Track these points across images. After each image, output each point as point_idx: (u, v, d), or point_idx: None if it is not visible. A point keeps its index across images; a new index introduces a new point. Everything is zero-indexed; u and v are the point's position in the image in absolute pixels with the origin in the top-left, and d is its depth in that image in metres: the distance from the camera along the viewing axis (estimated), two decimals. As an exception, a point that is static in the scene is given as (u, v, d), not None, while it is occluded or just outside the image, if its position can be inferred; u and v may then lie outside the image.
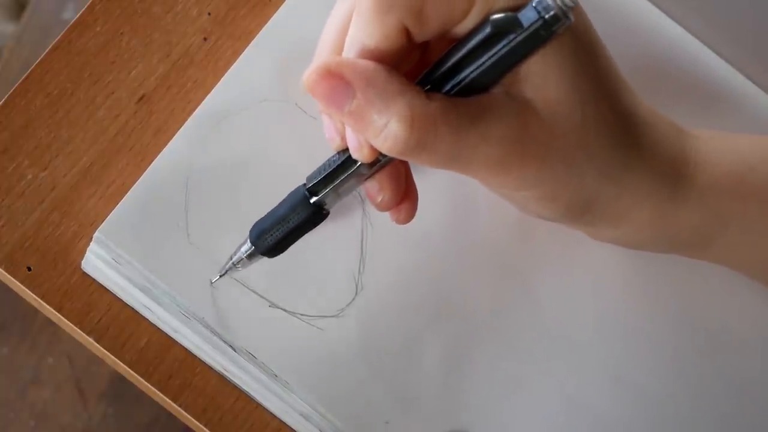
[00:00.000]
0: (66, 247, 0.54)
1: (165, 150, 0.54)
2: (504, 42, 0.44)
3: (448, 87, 0.45)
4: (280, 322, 0.53)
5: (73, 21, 0.57)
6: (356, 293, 0.54)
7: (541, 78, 0.45)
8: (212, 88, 0.55)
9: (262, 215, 0.50)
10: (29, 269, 0.54)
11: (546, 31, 0.43)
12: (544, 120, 0.45)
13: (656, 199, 0.49)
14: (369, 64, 0.45)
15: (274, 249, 0.50)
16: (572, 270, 0.55)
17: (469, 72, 0.45)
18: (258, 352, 0.52)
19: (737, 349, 0.55)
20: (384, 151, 0.45)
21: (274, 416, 0.53)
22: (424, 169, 0.52)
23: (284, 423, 0.53)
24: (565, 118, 0.46)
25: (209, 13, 0.57)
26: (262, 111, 0.55)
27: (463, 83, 0.45)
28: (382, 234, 0.54)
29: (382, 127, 0.44)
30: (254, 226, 0.50)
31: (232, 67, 0.55)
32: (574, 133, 0.46)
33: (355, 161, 0.47)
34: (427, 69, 0.46)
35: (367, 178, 0.48)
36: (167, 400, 0.53)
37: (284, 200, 0.50)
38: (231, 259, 0.51)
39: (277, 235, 0.50)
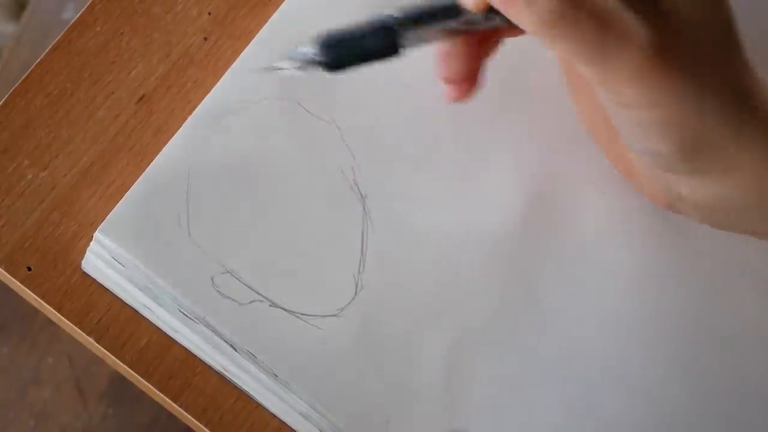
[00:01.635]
0: (66, 247, 0.54)
1: (165, 149, 0.54)
2: None
3: None
4: (280, 322, 0.53)
5: (73, 21, 0.57)
6: (356, 293, 0.54)
7: None
8: (212, 88, 0.55)
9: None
10: (29, 269, 0.54)
11: None
12: (685, 36, 0.45)
13: None
14: None
15: (336, 63, 0.47)
16: (575, 270, 0.55)
17: None
18: (258, 352, 0.52)
19: (741, 351, 0.55)
20: (530, 27, 0.44)
21: (274, 416, 0.53)
22: (427, 168, 0.52)
23: (284, 423, 0.53)
24: (702, 41, 0.46)
25: (209, 13, 0.57)
26: (262, 109, 0.55)
27: None
28: (382, 234, 0.54)
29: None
30: (322, 35, 0.47)
31: (233, 65, 0.55)
32: (710, 57, 0.46)
33: (458, 12, 0.47)
34: None
35: (453, 35, 0.47)
36: (167, 400, 0.53)
37: (367, 22, 0.47)
38: (285, 55, 0.48)
39: (344, 49, 0.47)
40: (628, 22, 0.45)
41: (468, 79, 0.50)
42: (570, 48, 0.45)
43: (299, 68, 0.47)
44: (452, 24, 0.47)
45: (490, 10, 0.46)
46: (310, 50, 0.47)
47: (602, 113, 0.52)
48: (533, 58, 0.54)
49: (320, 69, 0.47)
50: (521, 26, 0.45)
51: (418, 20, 0.47)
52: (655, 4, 0.45)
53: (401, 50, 0.47)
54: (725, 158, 0.48)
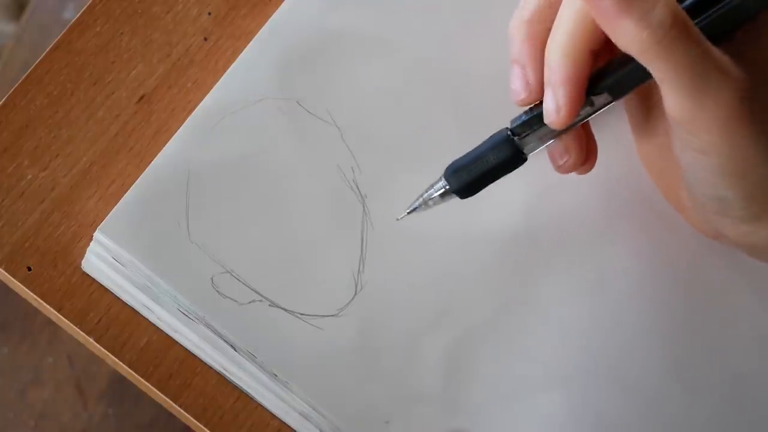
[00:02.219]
0: (66, 247, 0.54)
1: (165, 148, 0.54)
2: None
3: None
4: (280, 322, 0.53)
5: (73, 21, 0.57)
6: (356, 293, 0.53)
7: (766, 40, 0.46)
8: (212, 88, 0.55)
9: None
10: (29, 269, 0.54)
11: None
12: (764, 83, 0.45)
13: None
14: None
15: (468, 189, 0.50)
16: (575, 270, 0.55)
17: (714, 11, 0.45)
18: (258, 352, 0.52)
19: (739, 351, 0.55)
20: (638, 43, 0.44)
21: (274, 416, 0.53)
22: (427, 168, 0.52)
23: (284, 423, 0.53)
24: None
25: (209, 13, 0.57)
26: (262, 109, 0.55)
27: (707, 21, 0.45)
28: (382, 234, 0.54)
29: (648, 11, 0.44)
30: (450, 165, 0.50)
31: (233, 65, 0.55)
32: None
33: None
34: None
35: (568, 128, 0.49)
36: (167, 400, 0.53)
37: (485, 141, 0.50)
38: (422, 195, 0.51)
39: (473, 174, 0.50)
40: (726, 58, 0.45)
41: (587, 161, 0.51)
42: (672, 69, 0.45)
43: (436, 203, 0.51)
44: None
45: (588, 94, 0.47)
46: (442, 184, 0.50)
47: (658, 149, 0.52)
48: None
49: (455, 197, 0.50)
50: (626, 43, 0.45)
51: (531, 125, 0.49)
52: (745, 52, 0.46)
53: (524, 156, 0.49)
54: None
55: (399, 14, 0.57)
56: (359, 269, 0.54)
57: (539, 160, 0.52)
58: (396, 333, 0.53)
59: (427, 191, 0.51)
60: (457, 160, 0.50)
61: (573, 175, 0.54)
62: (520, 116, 0.49)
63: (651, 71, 0.46)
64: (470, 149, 0.50)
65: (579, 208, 0.55)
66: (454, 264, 0.54)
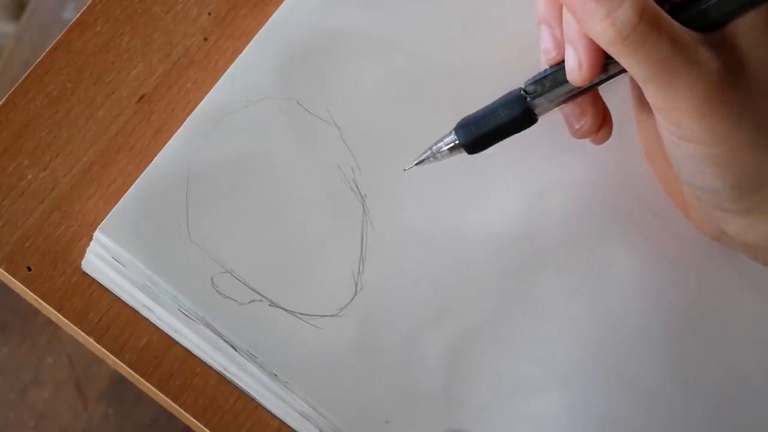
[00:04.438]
0: (66, 247, 0.54)
1: (165, 148, 0.54)
2: None
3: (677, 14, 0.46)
4: (280, 322, 0.53)
5: (73, 21, 0.57)
6: (356, 293, 0.54)
7: (758, 35, 0.46)
8: (212, 88, 0.55)
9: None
10: (29, 269, 0.54)
11: None
12: (748, 75, 0.46)
13: None
14: None
15: (477, 143, 0.50)
16: (575, 270, 0.55)
17: (703, 5, 0.46)
18: (258, 352, 0.52)
19: (739, 351, 0.55)
20: (605, 39, 0.45)
21: (274, 416, 0.53)
22: (427, 167, 0.52)
23: (284, 423, 0.53)
24: (763, 80, 0.46)
25: (209, 13, 0.57)
26: (262, 109, 0.55)
27: (691, 13, 0.46)
28: (382, 234, 0.54)
29: (614, 9, 0.45)
30: (461, 120, 0.50)
31: (233, 64, 0.55)
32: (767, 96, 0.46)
33: None
34: None
35: (579, 93, 0.49)
36: (167, 400, 0.53)
37: (498, 98, 0.50)
38: (431, 148, 0.51)
39: (482, 128, 0.50)
40: (700, 51, 0.45)
41: (603, 127, 0.51)
42: (641, 64, 0.45)
43: (444, 156, 0.51)
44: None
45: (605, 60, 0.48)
46: (452, 137, 0.50)
47: (660, 144, 0.52)
48: (535, 59, 0.54)
49: (463, 151, 0.50)
50: (596, 38, 0.46)
51: (544, 87, 0.49)
52: (724, 41, 0.46)
53: (535, 117, 0.50)
54: None
55: (399, 14, 0.57)
56: (359, 269, 0.54)
57: (539, 160, 0.52)
58: (396, 333, 0.53)
59: (436, 144, 0.51)
60: (468, 116, 0.50)
61: (571, 174, 0.54)
62: (535, 75, 0.49)
63: (621, 64, 0.46)
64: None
65: (579, 208, 0.55)
66: (454, 264, 0.54)
